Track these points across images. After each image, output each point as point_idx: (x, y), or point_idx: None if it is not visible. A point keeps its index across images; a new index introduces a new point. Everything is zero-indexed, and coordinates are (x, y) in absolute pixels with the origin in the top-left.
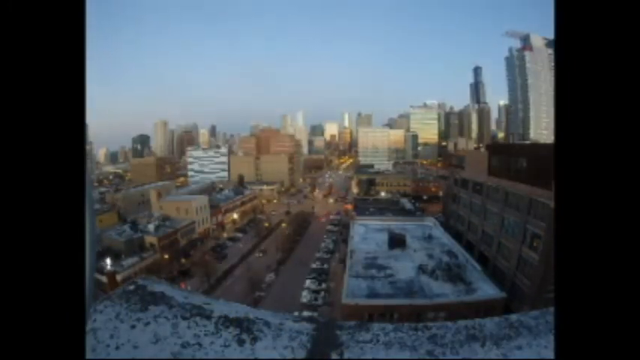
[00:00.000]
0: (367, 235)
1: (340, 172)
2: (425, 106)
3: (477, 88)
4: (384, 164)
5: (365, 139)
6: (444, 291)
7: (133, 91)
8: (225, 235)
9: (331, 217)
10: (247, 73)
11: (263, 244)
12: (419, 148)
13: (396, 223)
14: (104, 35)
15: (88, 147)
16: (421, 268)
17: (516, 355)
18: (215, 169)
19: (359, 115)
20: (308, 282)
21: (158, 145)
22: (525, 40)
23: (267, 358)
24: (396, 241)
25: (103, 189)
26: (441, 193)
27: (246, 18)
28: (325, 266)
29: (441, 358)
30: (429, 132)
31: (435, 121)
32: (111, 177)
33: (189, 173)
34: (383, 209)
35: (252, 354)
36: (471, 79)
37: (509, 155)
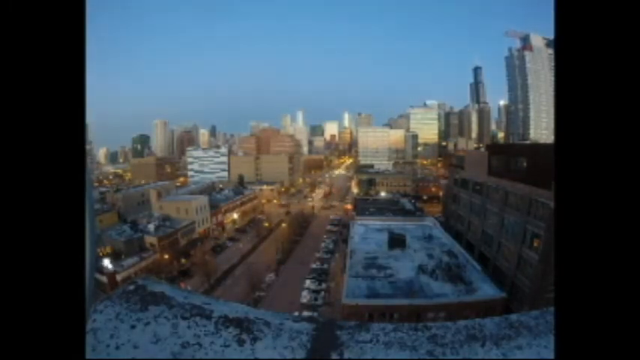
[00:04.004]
0: (367, 235)
1: (340, 172)
2: (425, 106)
3: (476, 88)
4: (384, 164)
5: (365, 139)
6: (444, 291)
7: (133, 91)
8: (225, 235)
9: (331, 217)
10: (247, 73)
11: (263, 244)
12: (419, 148)
13: (396, 223)
14: (104, 35)
15: (88, 147)
16: (421, 268)
17: (516, 355)
18: (215, 169)
19: (359, 115)
20: (308, 282)
21: (158, 145)
22: (525, 40)
23: (267, 358)
24: (396, 241)
25: (103, 189)
26: (441, 193)
27: (247, 18)
28: (325, 266)
29: (441, 358)
30: (429, 132)
31: (435, 121)
32: (111, 177)
33: (189, 173)
34: (383, 209)
35: (252, 354)
36: (471, 79)
37: (509, 155)
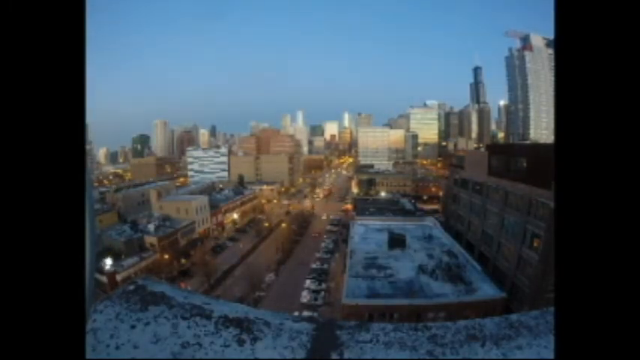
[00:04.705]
0: (367, 235)
1: (340, 172)
2: (425, 106)
3: (476, 88)
4: (384, 164)
5: (365, 139)
6: (444, 291)
7: (133, 91)
8: (225, 235)
9: (331, 217)
10: (247, 73)
11: (263, 244)
12: (419, 148)
13: (396, 223)
14: (104, 35)
15: (88, 147)
16: (421, 268)
17: (516, 355)
18: (215, 169)
19: (359, 115)
20: (308, 282)
21: (158, 145)
22: (525, 40)
23: (267, 358)
24: (396, 241)
25: (103, 189)
26: (441, 193)
27: (247, 18)
28: (325, 266)
29: (441, 358)
30: (429, 132)
31: (435, 121)
32: (111, 177)
33: (189, 173)
34: (383, 209)
35: (252, 354)
36: (471, 79)
37: (509, 155)
